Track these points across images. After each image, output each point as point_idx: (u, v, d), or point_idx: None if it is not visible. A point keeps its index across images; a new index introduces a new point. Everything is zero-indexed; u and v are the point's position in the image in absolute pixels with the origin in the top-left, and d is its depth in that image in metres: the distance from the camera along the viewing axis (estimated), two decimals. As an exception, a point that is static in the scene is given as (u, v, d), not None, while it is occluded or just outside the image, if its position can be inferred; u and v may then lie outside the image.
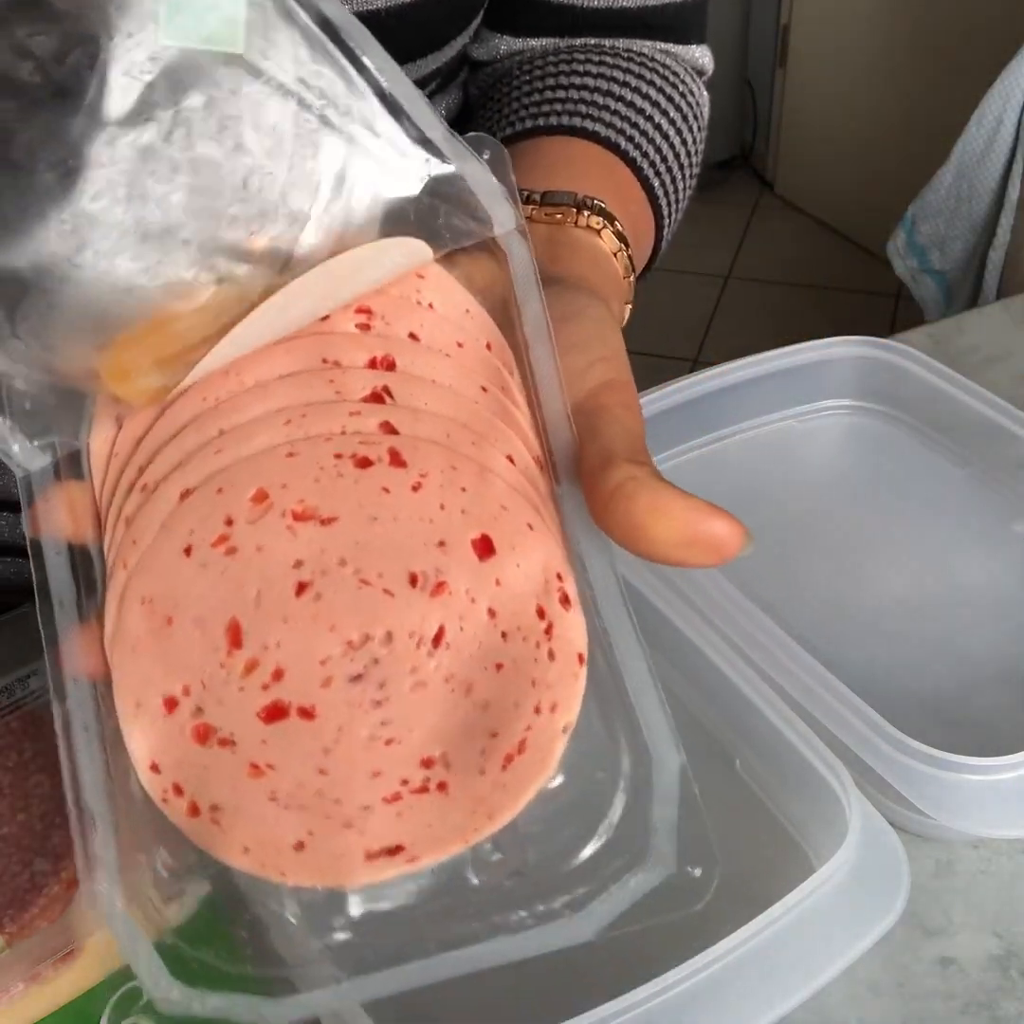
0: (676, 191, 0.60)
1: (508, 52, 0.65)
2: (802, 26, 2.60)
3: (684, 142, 0.61)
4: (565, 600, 0.34)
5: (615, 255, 0.48)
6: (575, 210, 0.48)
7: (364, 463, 0.35)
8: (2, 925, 0.44)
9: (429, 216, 0.37)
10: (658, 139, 0.58)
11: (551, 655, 0.34)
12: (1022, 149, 1.62)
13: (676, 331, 2.41)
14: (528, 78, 0.61)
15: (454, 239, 0.38)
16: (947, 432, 0.71)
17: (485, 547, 0.35)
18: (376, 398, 0.37)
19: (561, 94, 0.58)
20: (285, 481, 0.35)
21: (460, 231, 0.38)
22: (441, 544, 0.35)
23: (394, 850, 0.32)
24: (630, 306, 0.50)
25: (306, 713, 0.34)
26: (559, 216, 0.48)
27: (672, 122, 0.60)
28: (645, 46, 0.64)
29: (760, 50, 2.73)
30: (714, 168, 2.86)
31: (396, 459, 0.35)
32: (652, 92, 0.60)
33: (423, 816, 0.33)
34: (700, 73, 0.67)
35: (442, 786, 0.33)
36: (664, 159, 0.58)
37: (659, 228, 0.58)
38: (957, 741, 0.50)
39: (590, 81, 0.59)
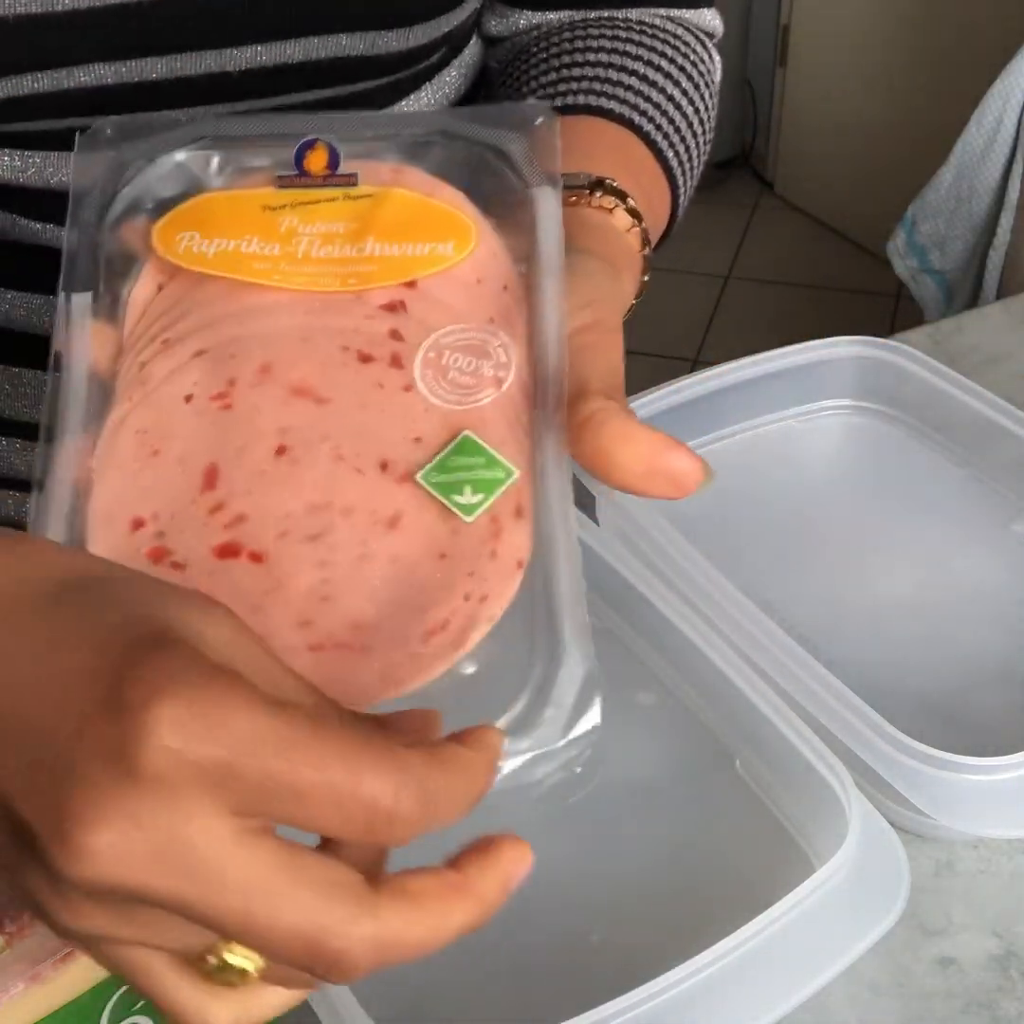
0: (690, 159, 0.61)
1: (527, 27, 0.67)
2: (802, 26, 2.60)
3: (696, 110, 0.62)
4: (518, 511, 0.37)
5: (628, 231, 0.50)
6: (588, 191, 0.50)
7: (366, 359, 0.40)
8: (2, 925, 0.44)
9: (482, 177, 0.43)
10: (671, 110, 0.60)
11: (493, 554, 0.37)
12: (1022, 149, 1.62)
13: (676, 331, 2.41)
14: (544, 56, 0.63)
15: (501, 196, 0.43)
16: (947, 432, 0.71)
17: None
18: (392, 308, 0.41)
19: (576, 72, 0.60)
20: (293, 359, 0.40)
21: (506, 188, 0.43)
22: (417, 440, 0.38)
23: None
24: (647, 277, 0.51)
25: (256, 557, 0.37)
26: (573, 198, 0.49)
27: (685, 92, 0.61)
28: (658, 16, 0.66)
29: (760, 50, 2.72)
30: (714, 168, 2.86)
31: (396, 362, 0.40)
32: (663, 63, 0.61)
33: (338, 669, 0.36)
34: (710, 36, 0.69)
35: (364, 648, 0.36)
36: (677, 129, 0.60)
37: (675, 197, 0.60)
38: (957, 741, 0.50)
39: (604, 57, 0.61)
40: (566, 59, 0.61)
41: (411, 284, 0.41)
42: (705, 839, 0.53)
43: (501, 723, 0.35)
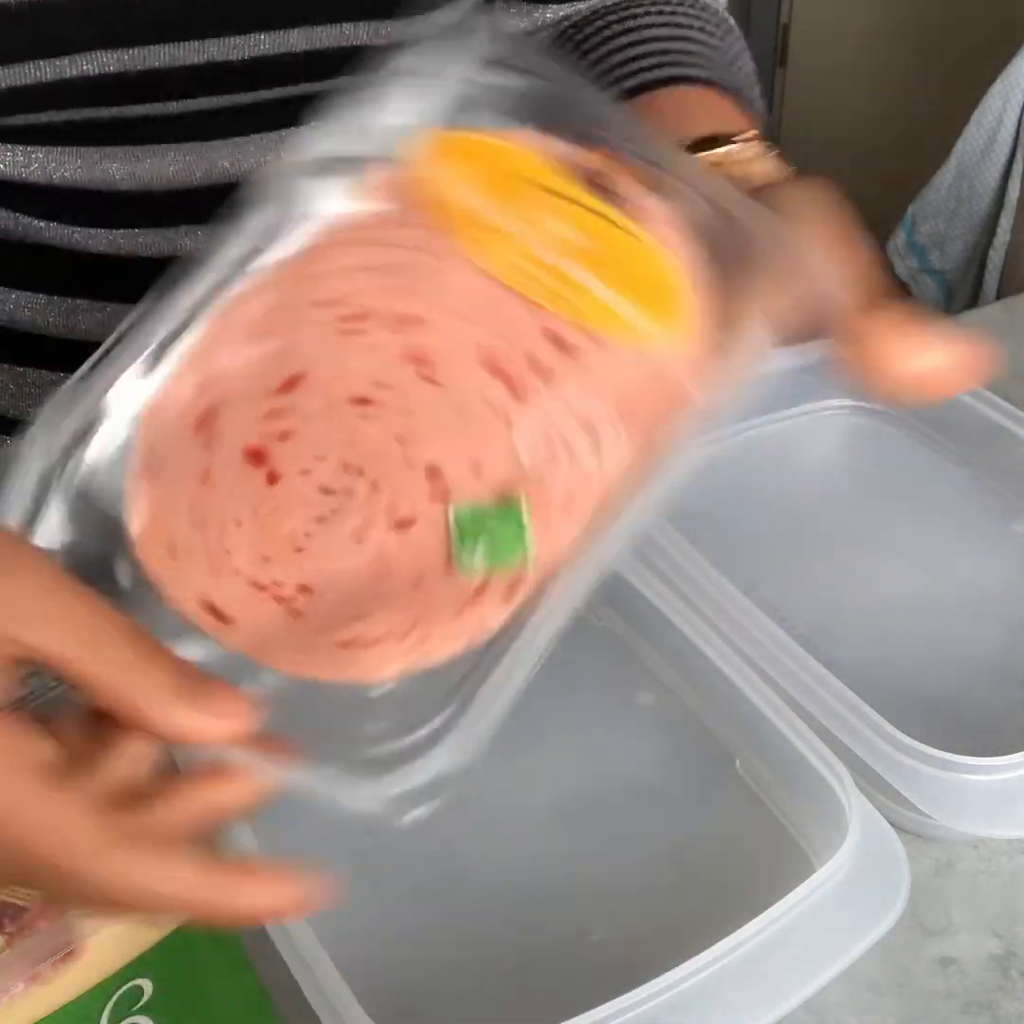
0: (756, 104, 0.63)
1: (554, 19, 0.66)
2: (802, 26, 2.60)
3: (746, 74, 0.65)
4: (510, 592, 0.36)
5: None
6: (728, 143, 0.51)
7: (495, 371, 0.38)
8: (2, 925, 0.44)
9: None
10: (734, 70, 0.62)
11: (458, 615, 0.36)
12: (1022, 149, 1.62)
13: (676, 331, 2.40)
14: (596, 41, 0.63)
15: None
16: (947, 432, 0.71)
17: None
18: (555, 342, 0.38)
19: (643, 49, 0.61)
20: (433, 326, 0.38)
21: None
22: (477, 470, 0.37)
23: (221, 618, 0.36)
24: None
25: (271, 478, 0.37)
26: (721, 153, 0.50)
27: (726, 50, 0.64)
28: None
29: (760, 50, 2.72)
30: (714, 168, 2.85)
31: (517, 392, 0.37)
32: (705, 34, 0.63)
33: (263, 616, 0.36)
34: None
35: (294, 611, 0.36)
36: (746, 86, 0.62)
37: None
38: (957, 741, 0.50)
39: (661, 31, 0.62)
40: (623, 40, 0.62)
41: (590, 335, 0.38)
42: (705, 839, 0.53)
43: (376, 752, 0.35)
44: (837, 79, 2.56)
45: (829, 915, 0.45)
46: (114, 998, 0.44)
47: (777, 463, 0.72)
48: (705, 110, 0.57)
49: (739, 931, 0.44)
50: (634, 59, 0.60)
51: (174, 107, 0.57)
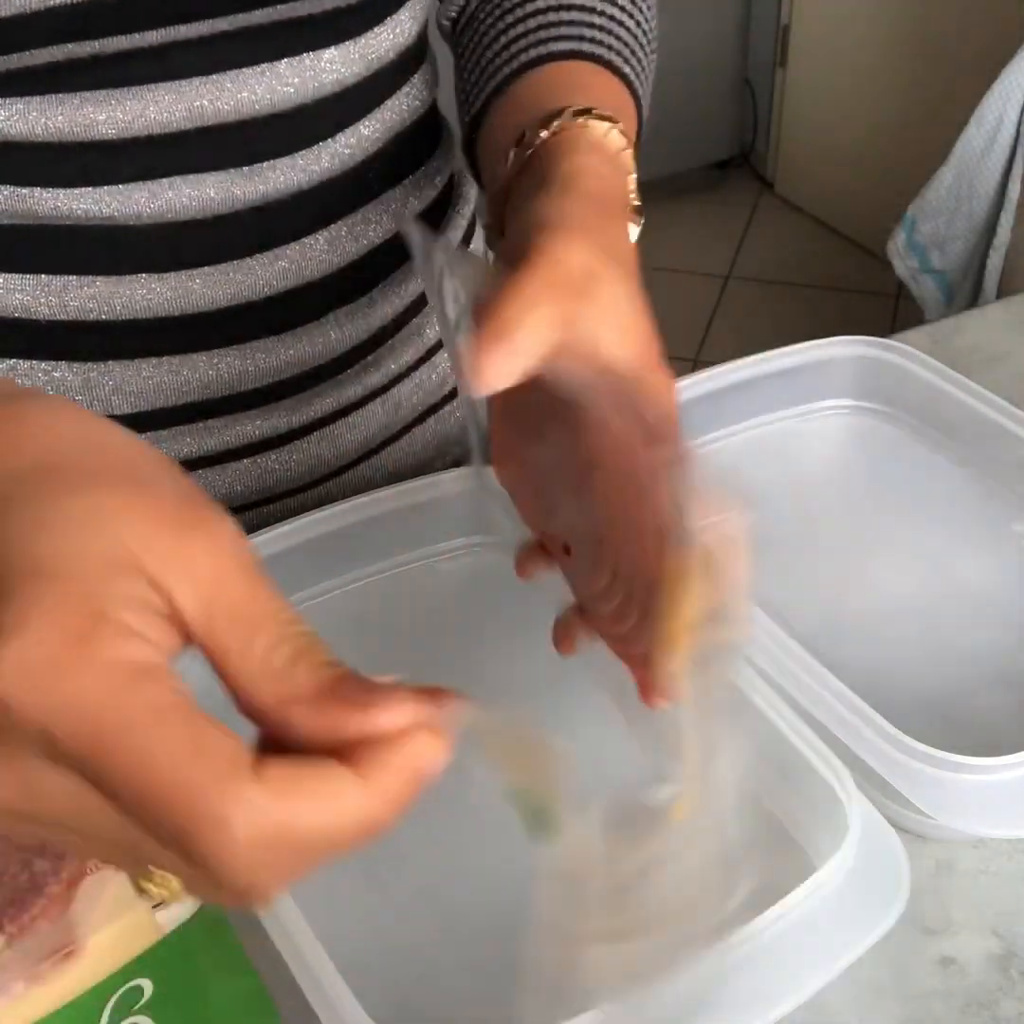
0: (645, 71, 0.66)
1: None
2: (802, 26, 2.60)
3: (638, 24, 0.66)
4: None
5: (621, 152, 0.53)
6: (577, 118, 0.53)
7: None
8: (2, 925, 0.44)
9: None
10: (622, 32, 0.64)
11: None
12: (1022, 149, 1.62)
13: (676, 331, 2.40)
14: (493, 19, 0.67)
15: None
16: (947, 432, 0.71)
17: None
18: None
19: (531, 23, 0.64)
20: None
21: None
22: None
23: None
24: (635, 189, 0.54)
25: None
26: (563, 129, 0.53)
27: (629, 13, 0.66)
28: None
29: (760, 50, 2.72)
30: (714, 168, 2.86)
31: None
32: None
33: None
34: None
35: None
36: (627, 45, 0.64)
37: (639, 111, 0.64)
38: (957, 741, 0.50)
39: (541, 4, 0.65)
40: (514, 14, 0.65)
41: None
42: (705, 839, 0.53)
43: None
44: (837, 79, 2.56)
45: (829, 915, 0.45)
46: (114, 998, 0.44)
47: (777, 463, 0.72)
48: (570, 86, 0.60)
49: (739, 931, 0.44)
50: (521, 36, 0.63)
51: (155, 37, 0.57)
